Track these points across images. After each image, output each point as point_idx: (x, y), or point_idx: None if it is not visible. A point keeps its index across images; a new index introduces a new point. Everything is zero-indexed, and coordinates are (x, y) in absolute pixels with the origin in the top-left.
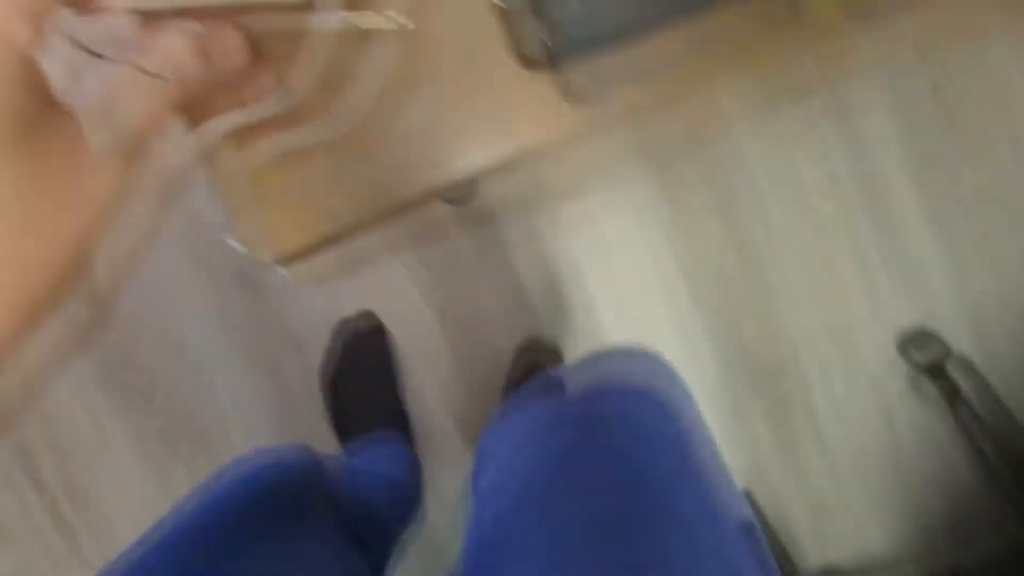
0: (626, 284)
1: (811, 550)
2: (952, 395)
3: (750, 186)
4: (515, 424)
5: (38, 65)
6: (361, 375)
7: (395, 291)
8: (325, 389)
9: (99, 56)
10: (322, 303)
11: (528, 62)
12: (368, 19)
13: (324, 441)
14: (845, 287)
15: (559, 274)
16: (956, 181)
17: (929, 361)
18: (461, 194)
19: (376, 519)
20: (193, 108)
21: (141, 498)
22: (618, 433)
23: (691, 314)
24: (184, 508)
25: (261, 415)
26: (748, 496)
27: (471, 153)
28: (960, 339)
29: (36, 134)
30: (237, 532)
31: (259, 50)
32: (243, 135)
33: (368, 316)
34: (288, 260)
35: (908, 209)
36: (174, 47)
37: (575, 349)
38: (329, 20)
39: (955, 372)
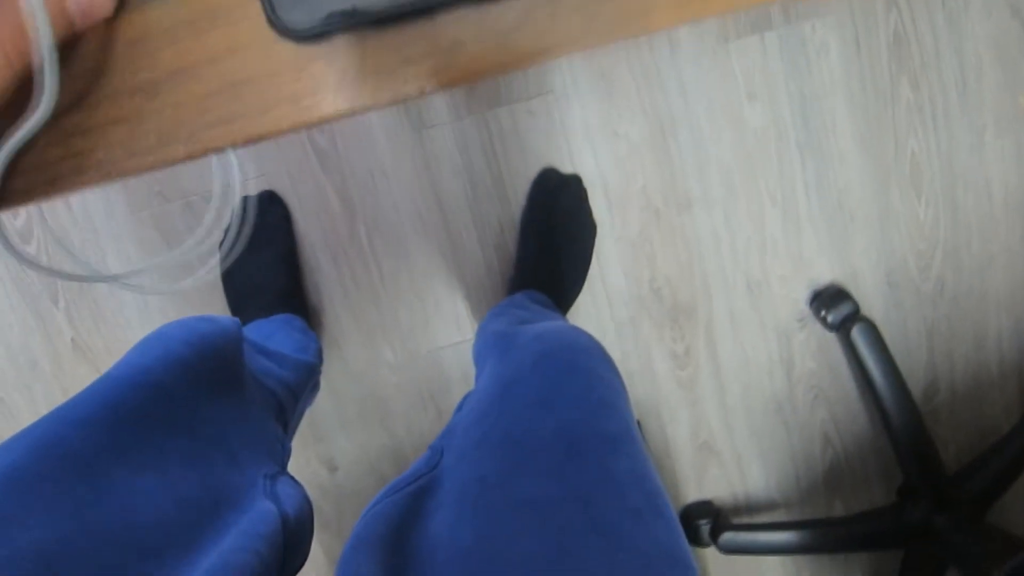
0: None
1: (690, 487)
2: (853, 355)
3: (685, 115)
4: (492, 344)
5: None
6: (263, 257)
7: (299, 172)
8: (224, 270)
9: None
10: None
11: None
12: None
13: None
14: (768, 234)
15: (480, 182)
16: (904, 142)
17: (836, 320)
18: None
19: (294, 398)
20: None
21: None
22: (562, 361)
23: (609, 246)
24: (136, 361)
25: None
26: (636, 426)
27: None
28: (872, 300)
29: None
30: (190, 387)
31: None
32: None
33: (270, 197)
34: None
35: (847, 156)
36: None
37: (486, 269)
38: None
39: (859, 336)
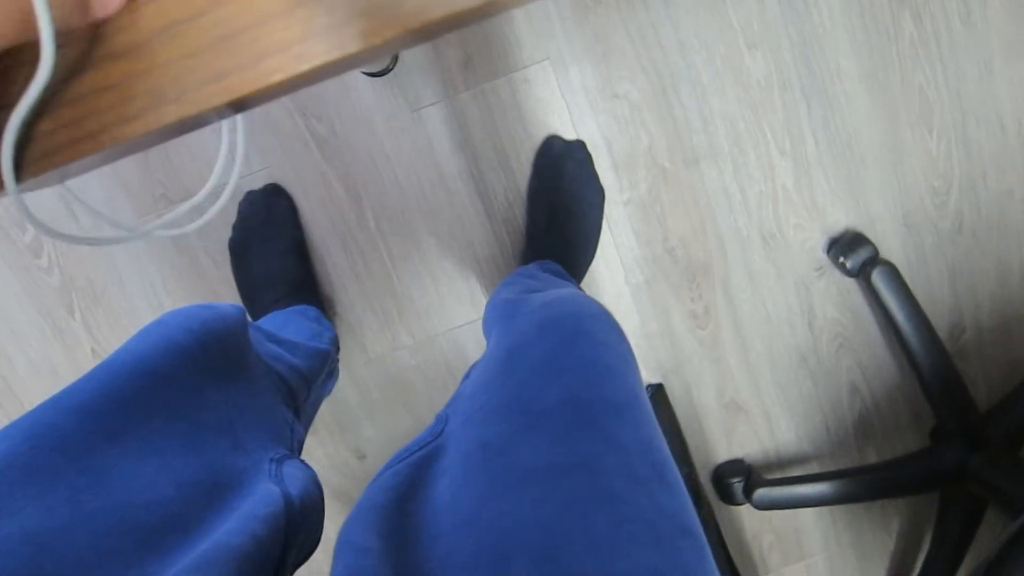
0: None
1: (720, 446)
2: (875, 300)
3: (686, 71)
4: (500, 313)
5: None
6: (272, 250)
7: (302, 162)
8: (235, 262)
9: None
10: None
11: None
12: None
13: None
14: (779, 185)
15: (482, 156)
16: (910, 76)
17: (855, 265)
18: (382, 67)
19: (307, 385)
20: None
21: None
22: (568, 328)
23: (619, 209)
24: (134, 348)
25: (178, 282)
26: (660, 389)
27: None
28: (891, 243)
29: None
30: (190, 374)
31: None
32: None
33: (274, 189)
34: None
35: (853, 99)
36: None
37: (494, 228)
38: None
39: (880, 279)
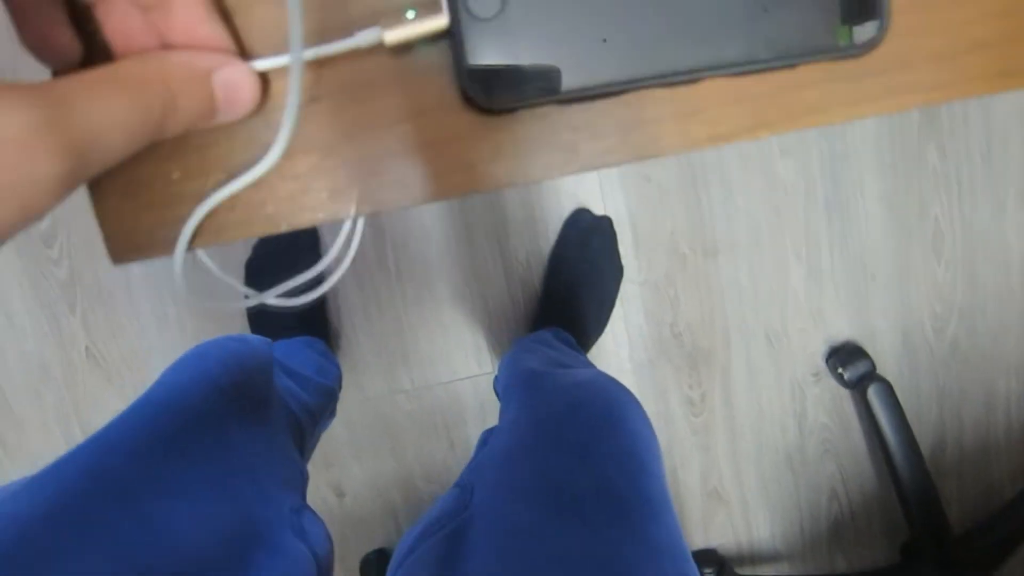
0: None
1: (697, 533)
2: (866, 413)
3: (718, 165)
4: (526, 382)
5: None
6: (288, 275)
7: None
8: (249, 284)
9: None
10: None
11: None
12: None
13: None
14: (790, 288)
15: (512, 216)
16: (927, 207)
17: (853, 378)
18: None
19: (314, 424)
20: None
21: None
22: (606, 416)
23: (634, 287)
24: (175, 380)
25: (177, 317)
26: None
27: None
28: (887, 357)
29: None
30: (223, 411)
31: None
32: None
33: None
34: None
35: (872, 218)
36: (237, 75)
37: (506, 296)
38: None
39: (875, 396)
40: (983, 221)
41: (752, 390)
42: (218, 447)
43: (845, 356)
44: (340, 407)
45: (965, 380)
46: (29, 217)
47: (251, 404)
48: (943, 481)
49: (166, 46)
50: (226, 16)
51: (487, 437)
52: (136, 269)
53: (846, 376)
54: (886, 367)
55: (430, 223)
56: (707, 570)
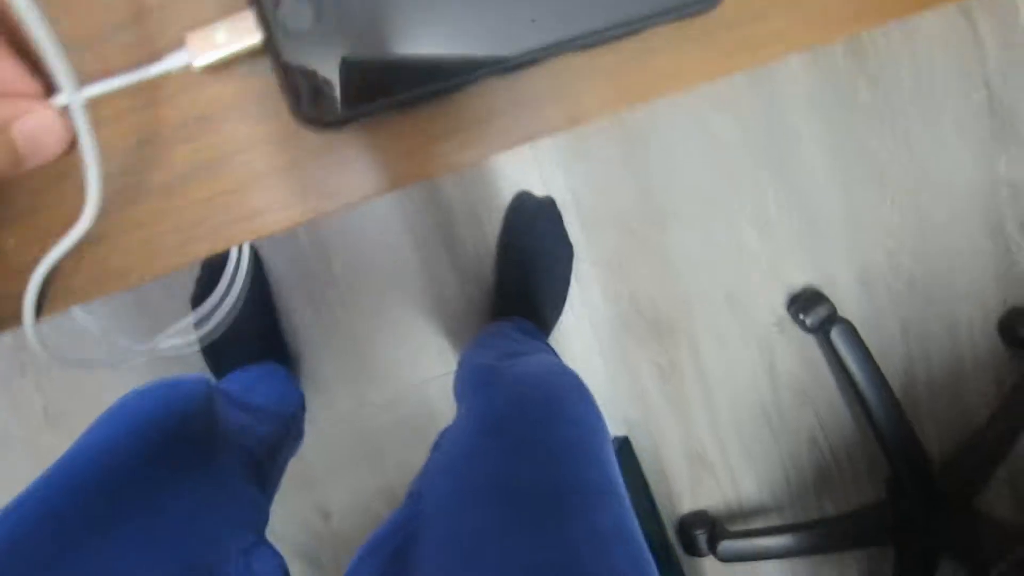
0: None
1: (684, 499)
2: (833, 356)
3: (654, 131)
4: (475, 379)
5: None
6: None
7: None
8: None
9: None
10: None
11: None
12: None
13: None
14: (743, 245)
15: (452, 209)
16: (864, 144)
17: (815, 322)
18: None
19: (273, 454)
20: None
21: None
22: (547, 407)
23: (587, 267)
24: (100, 438)
25: None
26: (627, 443)
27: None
28: (847, 300)
29: None
30: (157, 465)
31: None
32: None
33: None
34: None
35: (813, 162)
36: (39, 122)
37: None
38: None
39: (838, 337)
40: (923, 150)
41: (720, 351)
42: (152, 501)
43: (805, 302)
44: (313, 428)
45: (926, 312)
46: None
47: (186, 450)
48: (918, 414)
49: None
50: (24, 51)
51: (437, 441)
52: (81, 319)
53: (808, 321)
54: (847, 309)
55: (373, 231)
56: (699, 531)
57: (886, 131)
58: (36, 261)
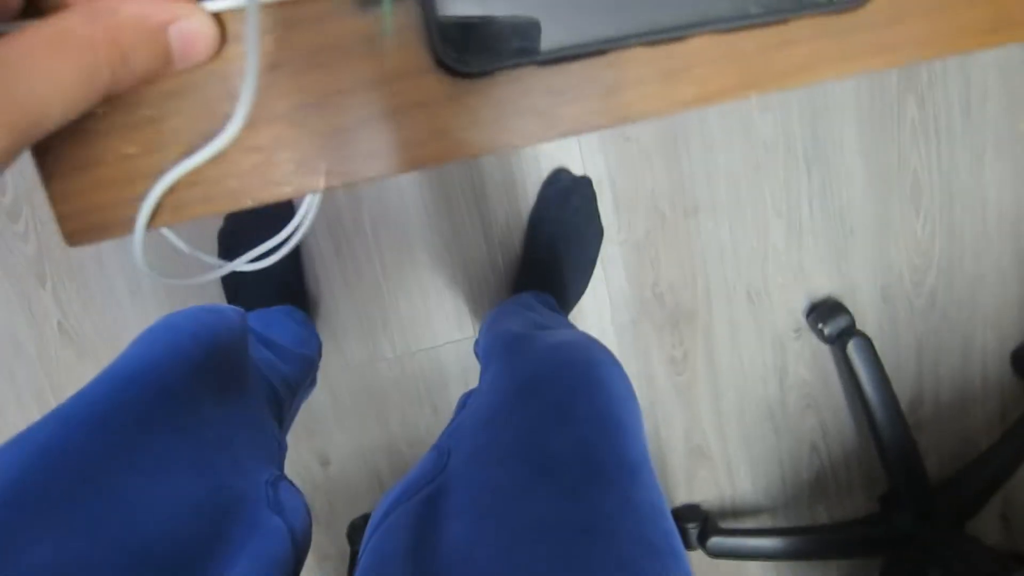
0: None
1: (680, 489)
2: (846, 368)
3: (698, 123)
4: (506, 344)
5: None
6: (263, 243)
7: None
8: (223, 254)
9: None
10: None
11: None
12: None
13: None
14: (771, 244)
15: (489, 178)
16: (906, 159)
17: (833, 333)
18: None
19: (292, 393)
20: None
21: None
22: (584, 376)
23: (614, 248)
24: (143, 354)
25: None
26: None
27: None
28: (867, 311)
29: None
30: (196, 387)
31: None
32: None
33: None
34: None
35: (852, 171)
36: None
37: (487, 253)
38: None
39: (854, 350)
40: (961, 173)
41: (734, 347)
42: (191, 421)
43: (825, 312)
44: (322, 376)
45: (943, 333)
46: None
47: (225, 376)
48: (921, 433)
49: None
50: None
51: (466, 400)
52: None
53: (826, 332)
54: (866, 321)
55: (407, 188)
56: (690, 525)
57: (929, 150)
58: (154, 170)
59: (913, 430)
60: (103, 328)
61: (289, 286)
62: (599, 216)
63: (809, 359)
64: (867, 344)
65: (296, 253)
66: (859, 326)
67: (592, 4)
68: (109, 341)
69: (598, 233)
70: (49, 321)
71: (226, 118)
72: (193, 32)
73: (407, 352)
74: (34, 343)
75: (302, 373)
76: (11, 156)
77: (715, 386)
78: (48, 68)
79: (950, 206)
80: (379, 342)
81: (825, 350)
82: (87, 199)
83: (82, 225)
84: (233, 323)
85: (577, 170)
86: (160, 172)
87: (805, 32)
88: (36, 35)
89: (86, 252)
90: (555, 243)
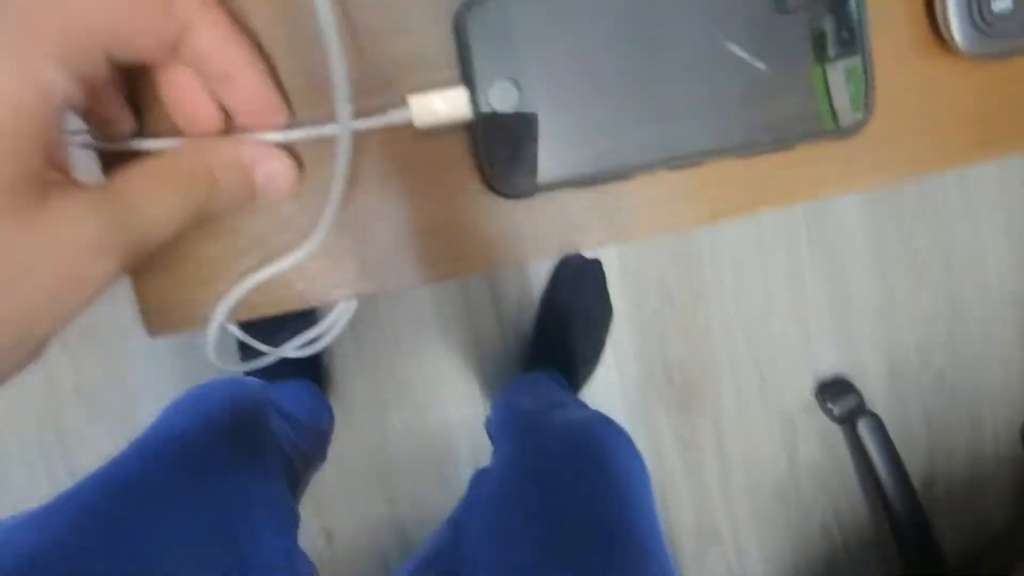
0: None
1: (689, 570)
2: (857, 448)
3: None
4: (519, 422)
5: (61, 127)
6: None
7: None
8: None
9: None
10: None
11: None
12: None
13: None
14: (778, 323)
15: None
16: (908, 238)
17: (842, 412)
18: None
19: (306, 466)
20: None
21: None
22: (598, 456)
23: (624, 328)
24: (175, 423)
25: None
26: None
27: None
28: (875, 387)
29: (38, 204)
30: (223, 454)
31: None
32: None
33: None
34: None
35: (854, 246)
36: (277, 167)
37: (500, 321)
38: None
39: (865, 430)
40: (962, 245)
41: (743, 427)
42: (216, 488)
43: (833, 391)
44: (331, 449)
45: (952, 409)
46: (77, 312)
47: (246, 446)
48: (934, 512)
49: (225, 112)
50: (279, 85)
51: (479, 477)
52: (126, 306)
53: (835, 411)
54: (875, 398)
55: None
56: None
57: (929, 226)
58: (233, 272)
59: (926, 508)
60: (118, 392)
61: (304, 360)
62: (609, 296)
63: (819, 438)
64: (878, 424)
65: (312, 323)
66: (868, 404)
67: (623, 136)
68: (124, 405)
69: (608, 314)
70: (65, 384)
71: (300, 228)
72: (276, 172)
73: (417, 428)
74: (48, 405)
75: (316, 446)
76: (125, 271)
77: (725, 466)
78: (159, 195)
79: (953, 283)
80: (390, 416)
81: (835, 428)
82: (170, 296)
83: (163, 320)
84: (256, 395)
85: (587, 252)
86: (237, 274)
87: (810, 155)
88: (148, 167)
89: (106, 318)
90: (566, 323)
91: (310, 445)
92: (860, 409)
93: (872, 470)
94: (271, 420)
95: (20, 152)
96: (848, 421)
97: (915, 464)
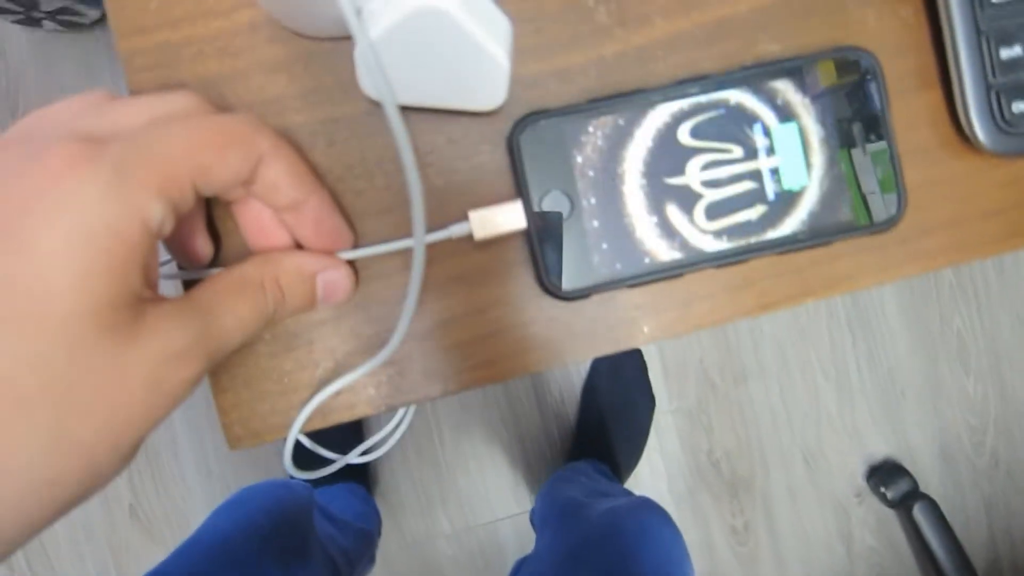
0: None
1: None
2: (914, 533)
3: None
4: (562, 511)
5: (156, 251)
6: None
7: None
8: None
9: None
10: None
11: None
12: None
13: None
14: (823, 408)
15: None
16: (946, 322)
17: (896, 497)
18: None
19: (349, 569)
20: None
21: None
22: (635, 534)
23: (667, 417)
24: (219, 527)
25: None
26: None
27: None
28: (928, 473)
29: (135, 320)
30: (264, 557)
31: None
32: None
33: None
34: None
35: (895, 331)
36: (337, 276)
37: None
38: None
39: (921, 514)
40: (1004, 331)
41: (795, 515)
42: None
43: (885, 475)
44: (380, 552)
45: (1010, 492)
46: (165, 416)
47: (291, 548)
48: None
49: (295, 236)
50: (343, 209)
51: (520, 565)
52: (181, 427)
53: (889, 496)
54: (928, 483)
55: None
56: None
57: (970, 310)
58: (308, 383)
59: None
60: (173, 512)
61: (353, 464)
62: (650, 386)
63: (874, 524)
64: (933, 507)
65: (359, 432)
66: (922, 489)
67: (670, 236)
68: (178, 525)
69: (650, 403)
70: (121, 504)
71: (367, 338)
72: (335, 281)
73: (465, 527)
74: (104, 527)
75: (362, 548)
76: (202, 378)
77: (779, 556)
78: (232, 305)
79: (998, 365)
80: (437, 518)
81: (890, 515)
82: (249, 409)
83: (244, 431)
84: (302, 498)
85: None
86: (312, 384)
87: (848, 249)
88: (223, 280)
89: (162, 439)
90: (607, 413)
91: (356, 547)
92: (915, 493)
93: (932, 556)
94: (317, 523)
95: (123, 273)
96: (903, 505)
97: (977, 549)
